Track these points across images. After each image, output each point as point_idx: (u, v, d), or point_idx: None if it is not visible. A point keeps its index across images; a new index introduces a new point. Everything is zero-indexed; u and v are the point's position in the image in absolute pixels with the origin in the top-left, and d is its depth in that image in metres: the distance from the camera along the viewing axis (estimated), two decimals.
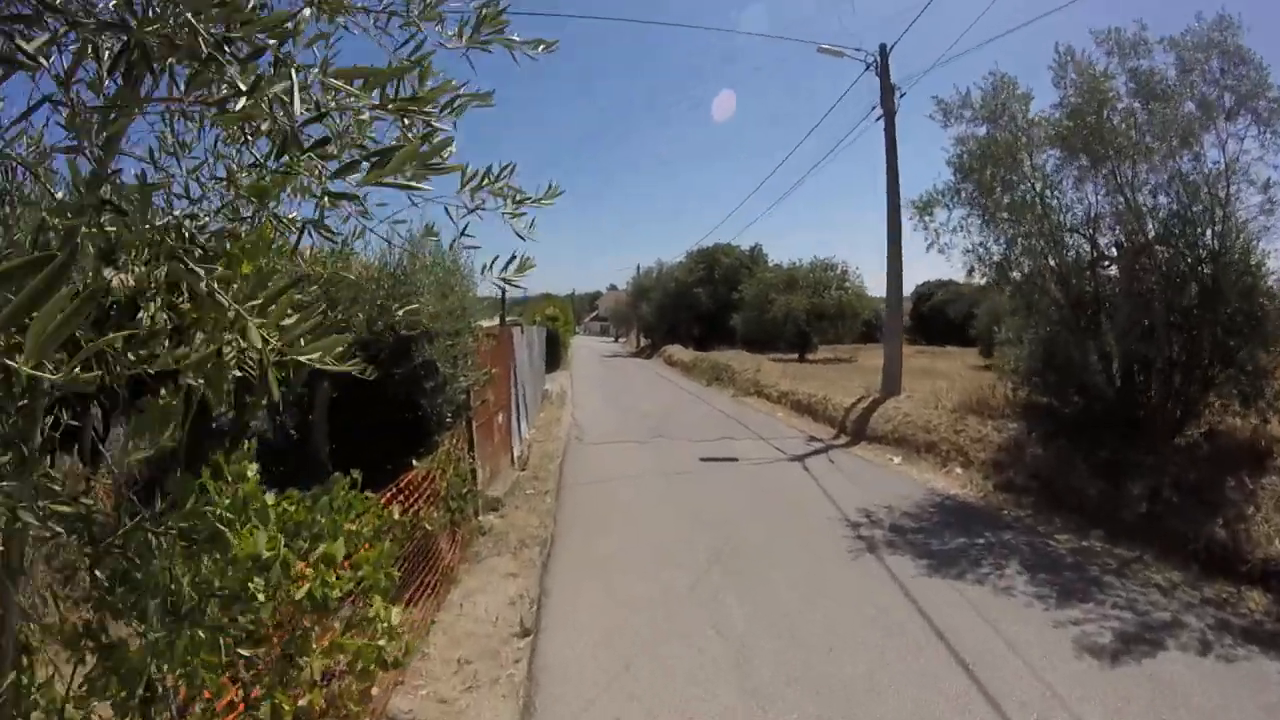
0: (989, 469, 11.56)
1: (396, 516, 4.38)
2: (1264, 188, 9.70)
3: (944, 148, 12.45)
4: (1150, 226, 10.51)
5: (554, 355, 32.83)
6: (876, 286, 57.94)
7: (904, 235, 16.94)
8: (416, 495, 5.51)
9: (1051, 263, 11.55)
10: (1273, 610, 6.32)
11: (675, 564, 7.41)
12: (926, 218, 12.74)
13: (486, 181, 2.01)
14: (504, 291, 10.58)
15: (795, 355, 39.90)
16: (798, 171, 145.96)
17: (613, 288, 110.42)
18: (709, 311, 50.24)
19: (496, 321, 12.43)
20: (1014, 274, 12.13)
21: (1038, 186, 11.39)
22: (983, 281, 13.02)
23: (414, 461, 5.88)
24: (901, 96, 17.59)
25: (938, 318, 58.65)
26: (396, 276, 6.88)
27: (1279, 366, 9.90)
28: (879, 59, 17.72)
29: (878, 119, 18.02)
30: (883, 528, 8.84)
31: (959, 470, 12.10)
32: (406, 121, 1.81)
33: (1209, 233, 9.87)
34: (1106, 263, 11.40)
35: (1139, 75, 10.26)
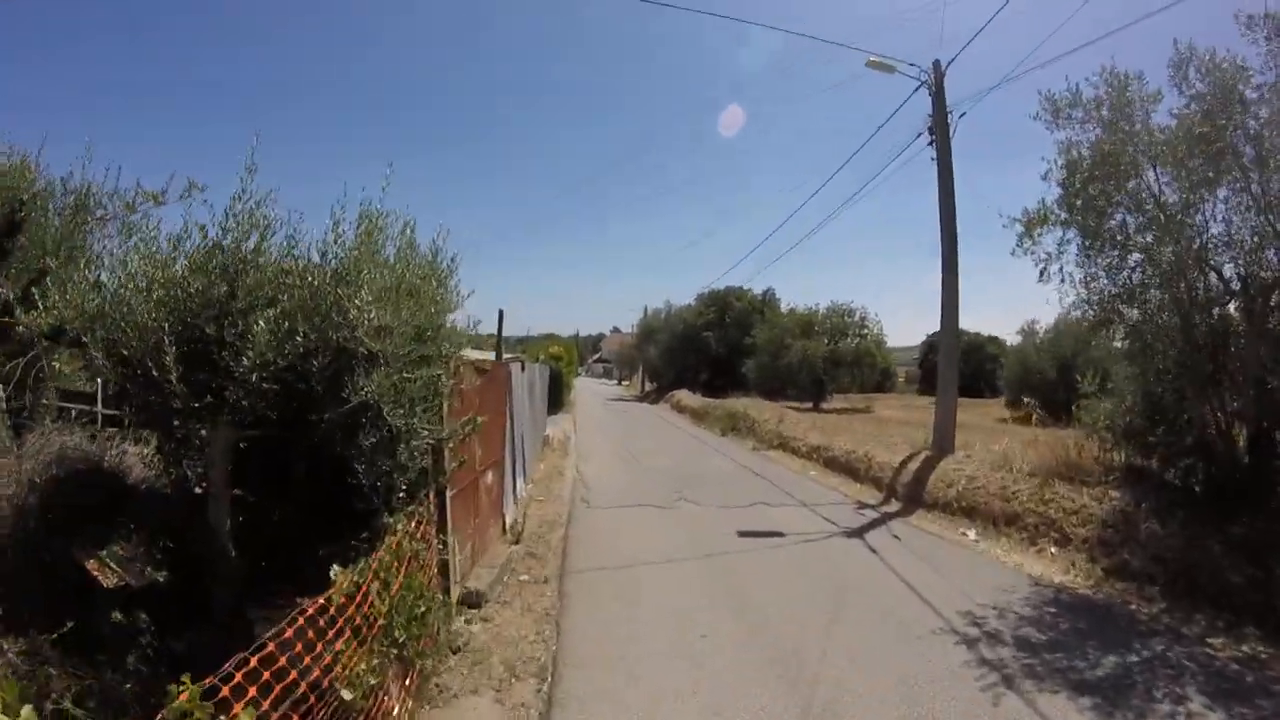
0: (1094, 549, 9.45)
1: None
2: None
3: (1044, 158, 10.38)
4: None
5: (556, 397, 30.63)
6: (894, 336, 56.79)
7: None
8: (325, 636, 3.11)
9: (1168, 297, 9.51)
10: None
11: None
12: (1030, 241, 10.62)
13: None
14: (501, 315, 8.13)
15: (810, 404, 37.95)
16: (821, 212, 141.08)
17: (616, 330, 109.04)
18: (719, 356, 48.22)
19: (490, 356, 10.08)
20: (1131, 312, 10.04)
21: (1166, 205, 9.27)
22: (1087, 319, 10.83)
23: (334, 570, 3.48)
24: (961, 116, 15.76)
25: None
26: (339, 274, 4.43)
27: None
28: (933, 75, 15.88)
29: (929, 143, 16.11)
30: (1006, 643, 6.57)
31: (1053, 550, 9.95)
32: None
33: None
34: (1227, 299, 9.38)
35: None
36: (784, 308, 48.98)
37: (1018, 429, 22.37)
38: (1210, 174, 8.73)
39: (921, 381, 63.23)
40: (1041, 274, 10.54)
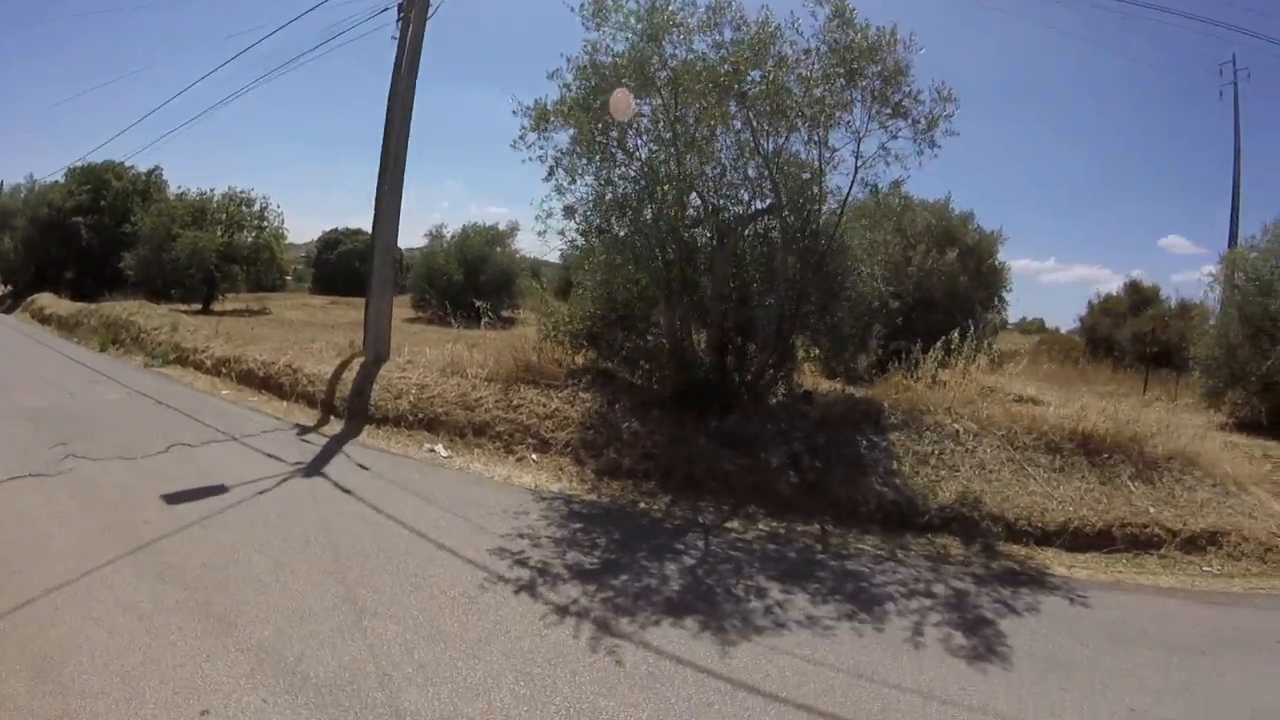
0: (578, 452, 9.72)
1: None
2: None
3: (563, 53, 10.45)
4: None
5: None
6: (297, 232, 53.44)
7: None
8: None
9: (657, 213, 10.03)
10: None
11: None
12: (540, 133, 10.08)
13: None
14: None
15: (199, 306, 33.78)
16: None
17: None
18: (91, 248, 38.92)
19: None
20: (621, 223, 10.51)
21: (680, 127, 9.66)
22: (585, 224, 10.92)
23: None
24: None
25: (344, 267, 57.07)
26: None
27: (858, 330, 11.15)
28: None
29: (397, 19, 14.50)
30: (564, 578, 6.11)
31: (534, 457, 9.87)
32: None
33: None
34: (701, 222, 10.39)
35: None
36: (173, 192, 41.50)
37: (433, 331, 22.05)
38: (719, 114, 9.32)
39: (314, 281, 61.27)
40: (551, 172, 10.08)
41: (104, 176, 41.03)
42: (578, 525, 7.28)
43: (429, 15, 14.00)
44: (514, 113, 10.04)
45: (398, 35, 14.31)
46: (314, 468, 9.20)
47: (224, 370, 15.94)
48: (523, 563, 6.23)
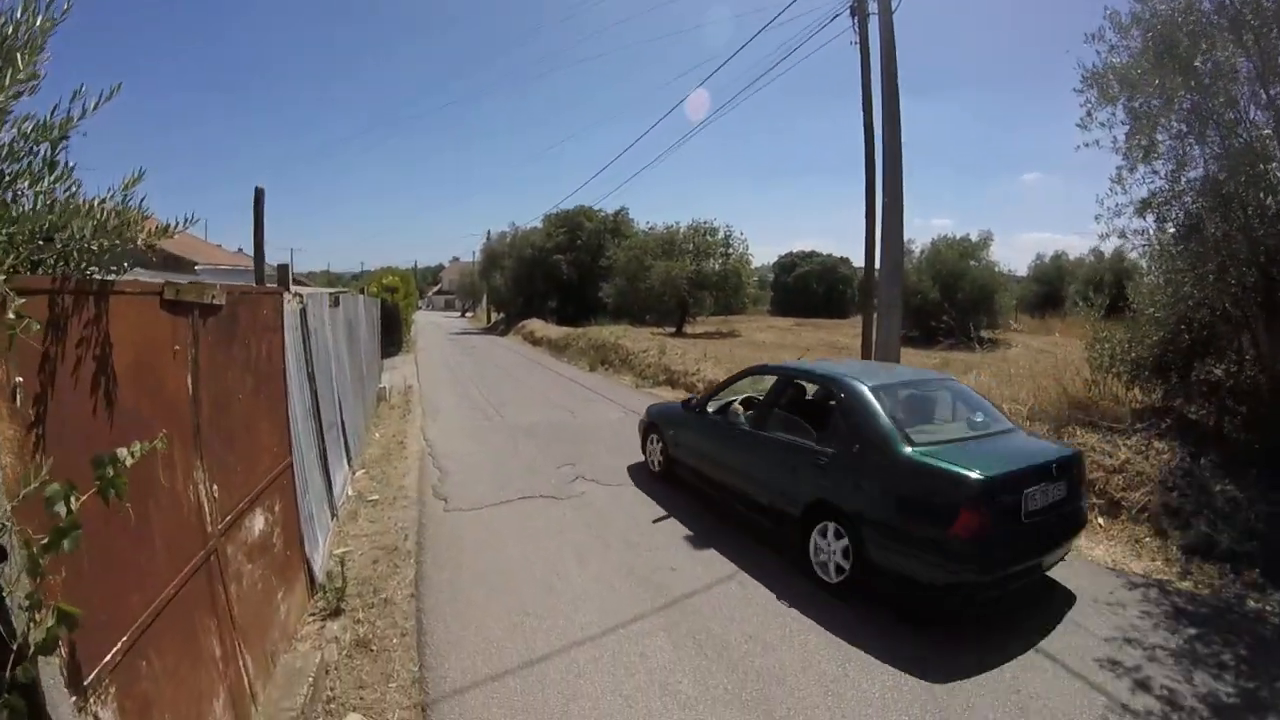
0: (1160, 520, 7.04)
1: None
2: None
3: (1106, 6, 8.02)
4: None
5: (393, 336, 26.36)
6: (758, 255, 55.08)
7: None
8: None
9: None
10: None
11: None
12: (1113, 105, 7.99)
13: None
14: (259, 195, 4.43)
15: (672, 329, 35.23)
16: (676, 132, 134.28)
17: (456, 259, 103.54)
18: (570, 281, 44.86)
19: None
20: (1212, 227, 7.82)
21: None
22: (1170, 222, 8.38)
23: None
24: None
25: (802, 289, 57.46)
26: None
27: None
28: None
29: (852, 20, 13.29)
30: (1191, 713, 4.19)
31: (1101, 521, 7.36)
32: None
33: None
34: None
35: None
36: (639, 227, 46.07)
37: (912, 353, 20.22)
38: None
39: (773, 304, 62.18)
40: (1146, 153, 7.85)
41: (577, 219, 47.24)
42: (1190, 630, 5.25)
43: (894, 8, 11.98)
44: (1074, 90, 8.21)
45: (857, 40, 13.04)
46: None
47: None
48: (1144, 686, 4.43)
